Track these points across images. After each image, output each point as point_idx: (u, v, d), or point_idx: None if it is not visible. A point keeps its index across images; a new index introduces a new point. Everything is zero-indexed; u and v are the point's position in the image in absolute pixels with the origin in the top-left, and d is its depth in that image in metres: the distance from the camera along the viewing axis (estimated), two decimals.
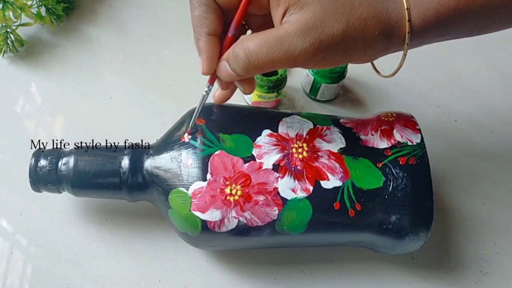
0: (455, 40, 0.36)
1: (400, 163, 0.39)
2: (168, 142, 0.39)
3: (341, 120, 0.42)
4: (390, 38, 0.32)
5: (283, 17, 0.32)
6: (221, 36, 0.35)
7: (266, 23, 0.34)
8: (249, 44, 0.31)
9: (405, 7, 0.32)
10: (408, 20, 0.32)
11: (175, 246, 0.44)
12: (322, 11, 0.31)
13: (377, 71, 0.38)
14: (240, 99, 0.54)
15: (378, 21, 0.31)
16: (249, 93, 0.38)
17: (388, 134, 0.40)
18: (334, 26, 0.31)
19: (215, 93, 0.39)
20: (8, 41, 0.53)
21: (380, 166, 0.39)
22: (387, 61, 0.38)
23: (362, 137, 0.40)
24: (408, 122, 0.41)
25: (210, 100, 0.38)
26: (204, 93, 0.37)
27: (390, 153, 0.39)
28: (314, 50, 0.31)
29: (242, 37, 0.33)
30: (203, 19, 0.33)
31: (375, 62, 0.37)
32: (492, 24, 0.34)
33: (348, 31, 0.31)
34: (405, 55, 0.34)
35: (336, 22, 0.31)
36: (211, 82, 0.36)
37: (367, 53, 0.33)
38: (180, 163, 0.37)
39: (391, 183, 0.38)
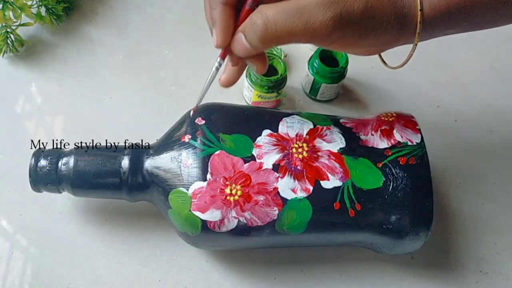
0: (455, 40, 0.36)
1: (400, 163, 0.39)
2: (168, 142, 0.39)
3: (341, 120, 0.42)
4: (403, 26, 0.32)
5: None
6: (236, 7, 0.33)
7: None
8: (268, 12, 0.30)
9: None
10: (420, 9, 0.32)
11: (175, 246, 0.44)
12: None
13: (384, 62, 0.38)
14: (240, 99, 0.54)
15: (394, 5, 0.32)
16: (262, 72, 0.36)
17: (388, 134, 0.40)
18: (355, 3, 0.30)
19: (221, 77, 0.37)
20: (8, 41, 0.53)
21: (380, 166, 0.39)
22: (393, 56, 0.38)
23: (362, 137, 0.40)
24: (408, 122, 0.41)
25: (215, 86, 0.37)
26: (214, 69, 0.35)
27: (390, 153, 0.39)
28: (334, 24, 0.30)
29: (260, 6, 0.31)
30: None
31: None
32: (500, 18, 0.34)
33: (367, 9, 0.31)
34: (416, 45, 0.34)
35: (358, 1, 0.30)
36: (223, 57, 0.34)
37: (380, 40, 0.33)
38: (180, 163, 0.37)
39: (391, 183, 0.38)
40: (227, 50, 0.33)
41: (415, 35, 0.33)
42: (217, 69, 0.35)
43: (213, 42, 0.33)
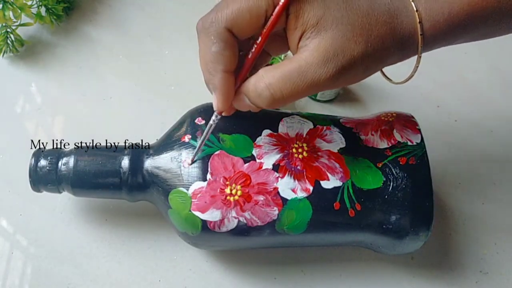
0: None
1: (400, 163, 0.39)
2: (168, 142, 0.39)
3: (341, 120, 0.42)
4: (404, 51, 0.33)
5: (299, 40, 0.31)
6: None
7: (275, 42, 0.34)
8: (272, 81, 0.30)
9: (417, 20, 0.32)
10: (421, 34, 0.32)
11: (175, 246, 0.44)
12: (341, 36, 0.30)
13: (387, 78, 0.38)
14: None
15: (394, 37, 0.32)
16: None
17: (388, 134, 0.40)
18: (354, 49, 0.30)
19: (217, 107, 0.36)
20: (8, 41, 0.53)
21: (380, 166, 0.39)
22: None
23: (362, 137, 0.40)
24: (408, 122, 0.41)
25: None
26: (211, 122, 0.35)
27: (390, 153, 0.39)
28: (337, 75, 0.30)
29: (260, 71, 0.32)
30: (220, 56, 0.31)
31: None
32: (500, 30, 0.34)
33: (367, 51, 0.31)
34: (417, 66, 0.34)
35: (356, 44, 0.30)
36: (221, 113, 0.35)
37: (383, 66, 0.34)
38: (180, 163, 0.37)
39: (391, 183, 0.38)
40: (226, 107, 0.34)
41: (417, 54, 0.33)
42: (215, 122, 0.35)
43: (213, 106, 0.34)
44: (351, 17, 0.30)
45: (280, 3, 0.30)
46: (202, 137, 0.36)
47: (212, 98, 0.34)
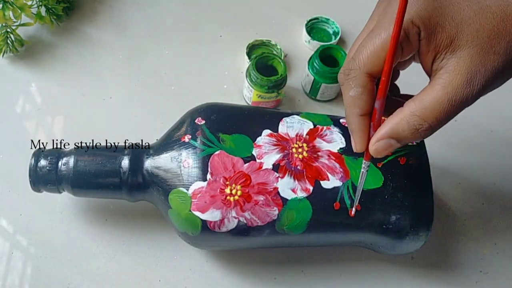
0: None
1: (400, 163, 0.39)
2: (168, 142, 0.39)
3: (341, 120, 0.42)
4: None
5: (433, 62, 0.31)
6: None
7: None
8: (425, 114, 0.30)
9: None
10: None
11: (175, 246, 0.44)
12: (479, 50, 0.30)
13: None
14: (240, 99, 0.54)
15: None
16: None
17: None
18: (495, 61, 0.30)
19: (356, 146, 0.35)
20: (8, 41, 0.53)
21: (380, 166, 0.39)
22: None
23: None
24: None
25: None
26: (363, 170, 0.35)
27: (390, 153, 0.39)
28: (483, 90, 0.30)
29: (406, 109, 0.31)
30: (358, 100, 0.32)
31: None
32: None
33: (507, 59, 0.30)
34: None
35: (495, 54, 0.30)
36: (368, 159, 0.34)
37: None
38: (180, 163, 0.37)
39: (391, 183, 0.38)
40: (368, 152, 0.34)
41: None
42: (366, 170, 0.35)
43: (353, 148, 0.34)
44: (486, 28, 0.30)
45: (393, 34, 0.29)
46: (358, 188, 0.36)
47: (351, 140, 0.34)
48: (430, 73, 0.32)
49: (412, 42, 0.30)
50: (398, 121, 0.31)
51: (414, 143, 0.39)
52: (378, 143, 0.33)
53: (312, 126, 0.40)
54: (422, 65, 0.32)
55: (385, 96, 0.32)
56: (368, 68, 0.31)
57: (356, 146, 0.34)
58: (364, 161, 0.35)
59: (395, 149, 0.33)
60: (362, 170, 0.35)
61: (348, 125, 0.34)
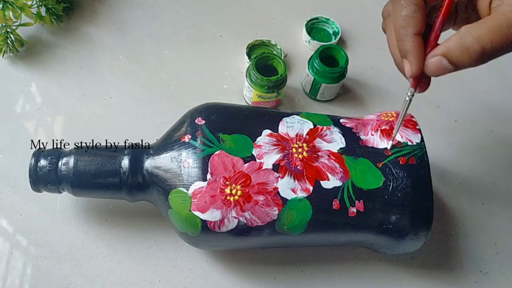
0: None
1: (400, 163, 0.39)
2: (168, 142, 0.39)
3: (341, 120, 0.42)
4: None
5: (491, 1, 0.31)
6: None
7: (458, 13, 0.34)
8: (481, 34, 0.30)
9: None
10: None
11: (175, 246, 0.44)
12: None
13: None
14: (240, 99, 0.54)
15: None
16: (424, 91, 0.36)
17: (388, 134, 0.40)
18: None
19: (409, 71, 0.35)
20: (8, 41, 0.53)
21: (380, 166, 0.39)
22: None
23: (362, 137, 0.40)
24: (408, 122, 0.41)
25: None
26: (407, 98, 0.35)
27: (390, 153, 0.39)
28: None
29: (464, 28, 0.31)
30: (411, 18, 0.32)
31: None
32: None
33: None
34: None
35: None
36: (415, 86, 0.34)
37: None
38: (180, 163, 0.37)
39: (391, 183, 0.38)
40: (419, 77, 0.34)
41: None
42: (410, 99, 0.35)
43: (406, 72, 0.34)
44: None
45: None
46: (401, 115, 0.36)
47: (405, 64, 0.34)
48: (486, 13, 0.32)
49: None
50: (452, 39, 0.31)
51: (414, 143, 0.39)
52: (430, 60, 0.32)
53: (312, 126, 0.40)
54: (479, 5, 0.32)
55: (448, 12, 0.32)
56: None
57: (412, 67, 0.33)
58: (410, 88, 0.34)
59: (448, 72, 0.32)
60: (406, 98, 0.35)
61: (400, 49, 0.33)
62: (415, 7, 0.32)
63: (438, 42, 0.33)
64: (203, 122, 0.39)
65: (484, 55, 0.31)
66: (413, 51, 0.33)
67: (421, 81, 0.34)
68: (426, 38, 0.33)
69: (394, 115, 0.42)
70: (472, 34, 0.31)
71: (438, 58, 0.32)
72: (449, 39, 0.32)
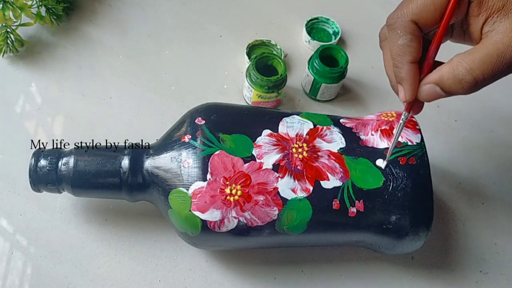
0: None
1: (400, 163, 0.39)
2: (168, 142, 0.39)
3: (341, 120, 0.42)
4: None
5: (483, 25, 0.32)
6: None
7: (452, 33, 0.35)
8: (473, 65, 0.31)
9: None
10: None
11: (175, 246, 0.44)
12: None
13: None
14: (240, 99, 0.54)
15: None
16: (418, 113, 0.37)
17: (388, 134, 0.40)
18: None
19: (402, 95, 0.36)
20: (8, 41, 0.53)
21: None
22: None
23: (362, 137, 0.40)
24: (408, 122, 0.41)
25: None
26: (401, 122, 0.36)
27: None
28: None
29: (454, 59, 0.32)
30: (407, 47, 0.32)
31: None
32: None
33: None
34: None
35: None
36: (409, 110, 0.35)
37: None
38: (180, 163, 0.37)
39: (391, 183, 0.38)
40: (413, 102, 0.35)
41: None
42: (404, 122, 0.36)
43: (400, 98, 0.35)
44: None
45: None
46: (395, 136, 0.37)
47: (399, 90, 0.35)
48: (478, 37, 0.33)
49: (461, 5, 0.31)
50: (445, 69, 0.32)
51: (414, 143, 0.39)
52: (424, 87, 0.33)
53: (312, 126, 0.40)
54: (471, 29, 0.33)
55: (441, 41, 0.33)
56: (416, 17, 0.32)
57: (406, 94, 0.34)
58: (404, 112, 0.35)
59: (440, 98, 0.33)
60: (400, 122, 0.36)
61: (396, 75, 0.34)
62: (411, 36, 0.32)
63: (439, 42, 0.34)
64: (203, 122, 0.39)
65: (477, 85, 0.32)
66: (408, 79, 0.33)
67: (414, 105, 0.35)
68: (422, 61, 0.34)
69: (394, 115, 0.42)
70: (464, 65, 0.31)
71: (431, 86, 0.33)
72: (442, 67, 0.33)
